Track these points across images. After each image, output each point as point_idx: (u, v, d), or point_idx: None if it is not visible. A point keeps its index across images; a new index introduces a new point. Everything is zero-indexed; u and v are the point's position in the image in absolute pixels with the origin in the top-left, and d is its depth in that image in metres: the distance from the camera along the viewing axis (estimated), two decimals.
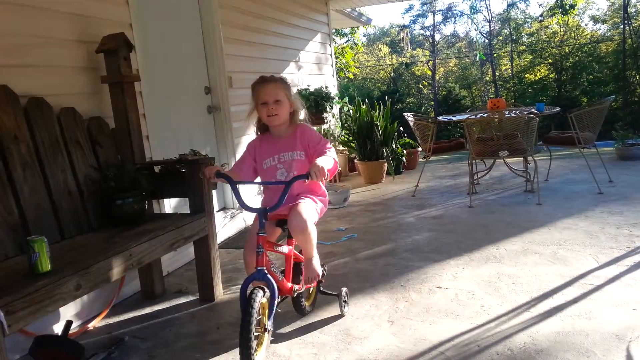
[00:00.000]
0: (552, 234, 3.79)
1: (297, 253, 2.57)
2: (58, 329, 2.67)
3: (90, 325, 2.84)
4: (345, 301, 2.77)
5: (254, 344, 2.05)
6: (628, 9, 14.30)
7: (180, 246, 2.84)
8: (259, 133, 2.60)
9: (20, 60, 2.71)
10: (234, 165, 2.59)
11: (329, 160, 2.27)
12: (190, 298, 3.16)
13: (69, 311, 2.78)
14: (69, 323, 2.50)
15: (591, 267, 3.11)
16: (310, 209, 2.44)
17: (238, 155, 4.74)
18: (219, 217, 4.40)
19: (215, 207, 4.45)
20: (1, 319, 1.71)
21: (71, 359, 2.31)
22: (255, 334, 2.06)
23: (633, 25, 14.34)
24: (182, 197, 3.18)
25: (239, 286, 3.23)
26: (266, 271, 2.21)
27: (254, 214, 2.40)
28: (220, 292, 3.13)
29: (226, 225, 4.43)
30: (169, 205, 3.75)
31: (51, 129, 2.72)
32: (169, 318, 2.90)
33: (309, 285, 2.59)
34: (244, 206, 2.25)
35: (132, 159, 3.09)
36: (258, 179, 2.57)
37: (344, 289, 2.78)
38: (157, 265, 3.20)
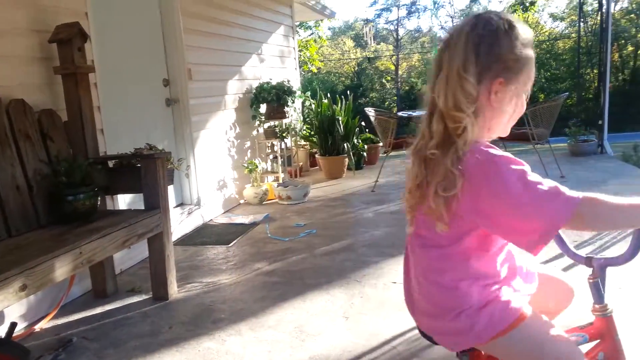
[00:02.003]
0: None
1: None
2: (2, 331, 2.57)
3: (37, 327, 2.75)
4: None
5: None
6: (583, 8, 14.80)
7: (133, 244, 2.79)
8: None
9: None
10: None
11: None
12: (143, 297, 3.10)
13: (14, 312, 2.68)
14: (13, 325, 2.41)
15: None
16: None
17: (197, 150, 4.65)
18: (175, 213, 4.33)
19: (172, 202, 4.38)
20: None
21: None
22: None
23: (588, 23, 14.85)
24: (137, 192, 3.11)
25: (194, 284, 3.23)
26: None
27: None
28: (175, 291, 3.09)
29: (183, 222, 4.36)
30: (124, 201, 3.67)
31: None
32: (121, 318, 2.84)
33: None
34: None
35: (84, 153, 3.01)
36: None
37: None
38: (109, 264, 3.12)
